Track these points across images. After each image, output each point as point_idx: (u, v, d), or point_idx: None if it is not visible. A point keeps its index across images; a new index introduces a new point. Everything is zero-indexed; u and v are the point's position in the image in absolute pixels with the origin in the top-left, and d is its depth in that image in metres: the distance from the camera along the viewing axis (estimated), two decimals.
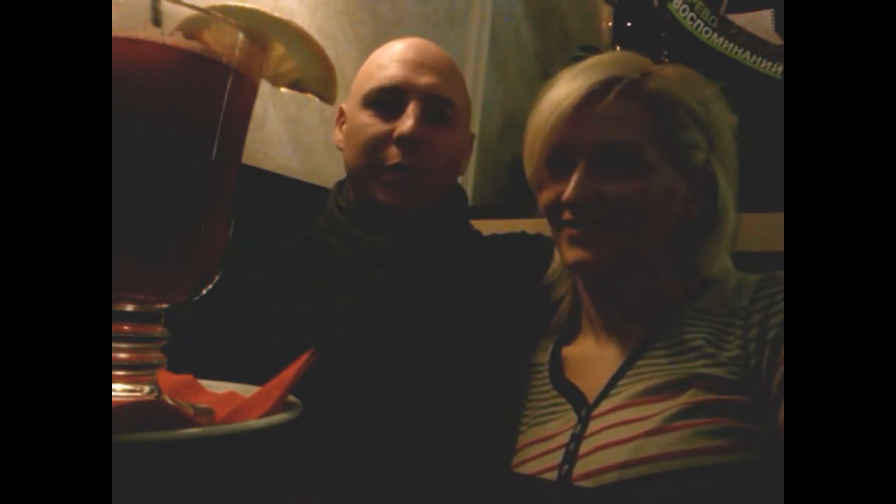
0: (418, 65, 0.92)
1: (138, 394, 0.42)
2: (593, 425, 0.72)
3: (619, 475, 0.66)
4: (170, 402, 0.43)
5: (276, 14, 0.48)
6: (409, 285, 0.89)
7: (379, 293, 0.88)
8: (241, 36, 0.44)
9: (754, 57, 1.79)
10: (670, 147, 0.78)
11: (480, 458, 0.79)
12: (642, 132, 0.77)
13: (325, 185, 1.42)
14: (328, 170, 1.56)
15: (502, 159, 2.17)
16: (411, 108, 0.89)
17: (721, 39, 1.82)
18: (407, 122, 0.88)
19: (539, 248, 0.94)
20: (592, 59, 0.83)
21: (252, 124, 0.54)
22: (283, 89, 0.51)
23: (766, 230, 1.12)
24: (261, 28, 0.46)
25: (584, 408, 0.75)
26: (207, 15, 0.42)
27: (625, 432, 0.68)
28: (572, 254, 0.78)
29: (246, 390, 0.51)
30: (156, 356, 0.44)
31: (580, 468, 0.69)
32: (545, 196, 0.81)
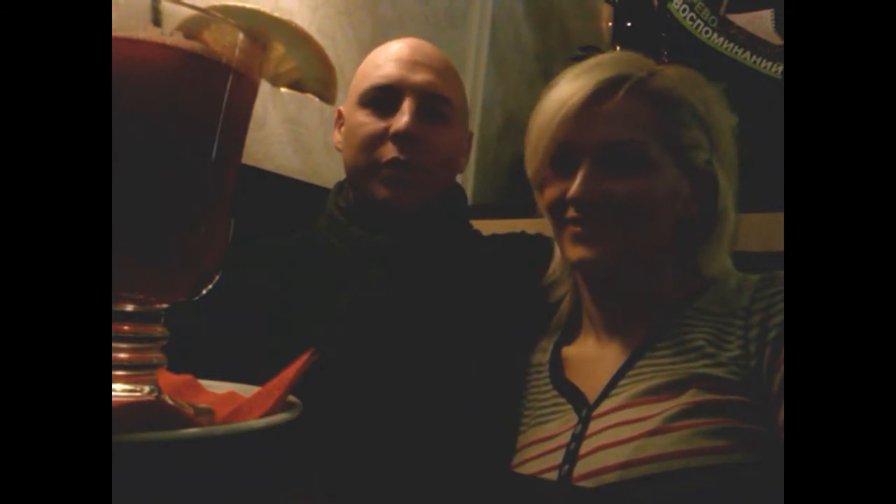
0: (413, 63, 0.93)
1: (138, 394, 0.42)
2: (594, 425, 0.72)
3: (620, 475, 0.66)
4: (170, 402, 0.43)
5: (276, 14, 0.48)
6: (409, 285, 0.89)
7: (379, 293, 0.88)
8: (241, 36, 0.44)
9: (754, 57, 1.79)
10: (674, 146, 0.78)
11: (480, 458, 0.79)
12: (648, 131, 0.77)
13: (325, 185, 1.42)
14: (328, 170, 1.56)
15: (502, 159, 2.17)
16: (406, 105, 0.90)
17: (721, 39, 1.82)
18: (402, 119, 0.89)
19: (539, 248, 0.94)
20: (596, 59, 0.83)
21: (252, 124, 0.54)
22: (283, 89, 0.51)
23: (766, 230, 1.12)
24: (261, 28, 0.46)
25: (584, 408, 0.75)
26: (207, 15, 0.42)
27: (625, 432, 0.68)
28: (575, 252, 0.78)
29: (246, 390, 0.51)
30: (156, 356, 0.44)
31: (581, 468, 0.69)
32: (548, 194, 0.81)
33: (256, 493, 0.42)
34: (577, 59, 0.95)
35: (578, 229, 0.77)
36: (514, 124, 2.19)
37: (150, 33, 0.40)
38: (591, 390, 0.77)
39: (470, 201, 1.15)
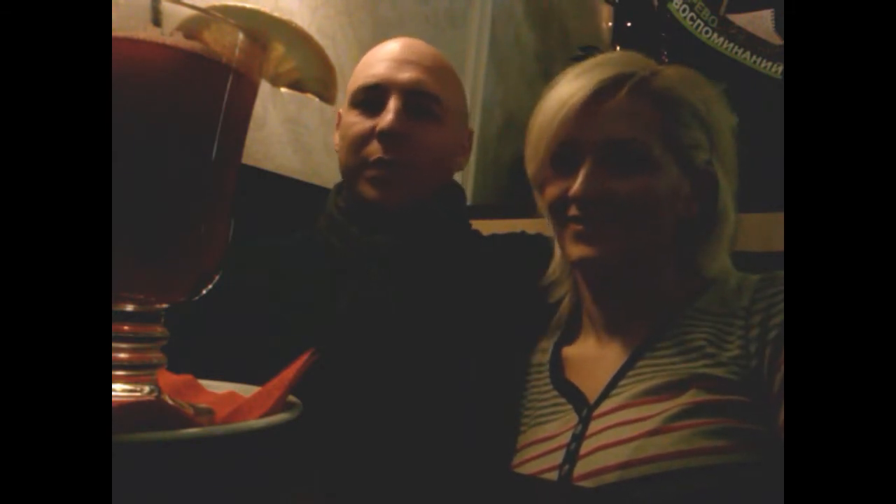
0: (401, 61, 0.93)
1: (138, 394, 0.42)
2: (594, 425, 0.72)
3: (620, 475, 0.66)
4: (170, 402, 0.43)
5: (276, 14, 0.48)
6: (409, 285, 0.89)
7: (379, 293, 0.88)
8: (241, 36, 0.44)
9: (754, 57, 1.79)
10: (675, 146, 0.78)
11: (480, 458, 0.79)
12: (649, 130, 0.77)
13: (325, 185, 1.42)
14: (328, 170, 1.56)
15: (502, 159, 2.17)
16: (392, 104, 0.91)
17: (721, 39, 1.82)
18: (386, 117, 0.90)
19: (539, 248, 0.94)
20: (598, 58, 0.83)
21: (252, 124, 0.54)
22: (283, 89, 0.51)
23: (766, 230, 1.12)
24: (261, 28, 0.46)
25: (584, 408, 0.75)
26: (207, 15, 0.42)
27: (626, 432, 0.68)
28: (577, 250, 0.77)
29: (246, 390, 0.51)
30: (156, 356, 0.44)
31: (581, 468, 0.69)
32: (549, 193, 0.81)
33: (256, 493, 0.42)
34: (577, 59, 0.95)
35: (580, 228, 0.77)
36: (514, 124, 2.19)
37: (150, 33, 0.40)
38: (592, 390, 0.77)
39: (470, 201, 1.15)
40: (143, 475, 0.35)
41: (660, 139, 0.77)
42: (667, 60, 1.82)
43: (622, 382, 0.74)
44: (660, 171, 0.77)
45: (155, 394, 0.43)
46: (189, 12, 0.41)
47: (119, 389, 0.41)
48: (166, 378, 0.48)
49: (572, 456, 0.71)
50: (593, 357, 0.82)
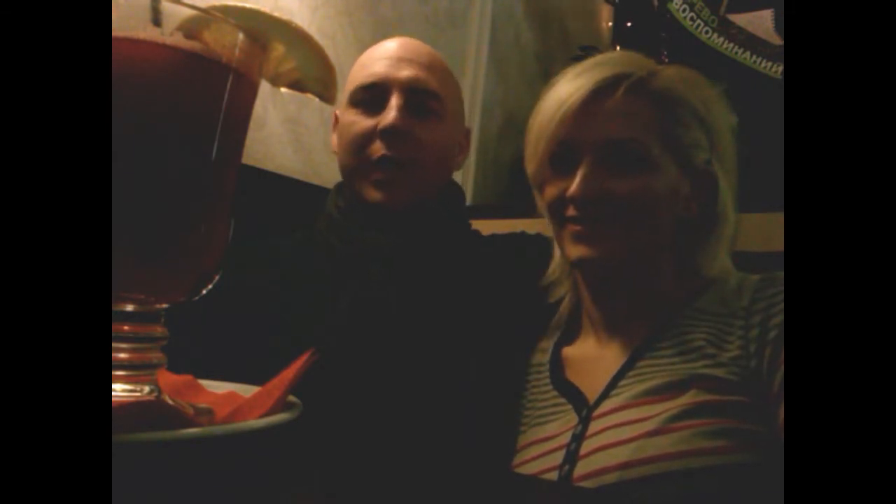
0: (399, 59, 0.93)
1: (138, 394, 0.42)
2: (594, 426, 0.72)
3: (620, 475, 0.66)
4: (170, 402, 0.43)
5: (276, 14, 0.48)
6: (409, 285, 0.89)
7: (379, 293, 0.88)
8: (241, 36, 0.44)
9: (754, 57, 1.79)
10: (674, 146, 0.78)
11: (480, 458, 0.79)
12: (648, 130, 0.77)
13: (325, 185, 1.42)
14: (328, 170, 1.56)
15: (502, 159, 2.17)
16: (393, 101, 0.90)
17: (721, 39, 1.82)
18: (389, 115, 0.89)
19: (539, 248, 0.94)
20: (597, 58, 0.83)
21: (252, 124, 0.54)
22: (283, 89, 0.51)
23: (766, 230, 1.12)
24: (261, 28, 0.46)
25: (584, 408, 0.75)
26: (207, 15, 0.42)
27: (626, 433, 0.68)
28: (576, 250, 0.77)
29: (246, 390, 0.51)
30: (156, 356, 0.44)
31: (581, 468, 0.69)
32: (548, 193, 0.81)
33: (256, 493, 0.42)
34: (577, 59, 0.94)
35: (579, 228, 0.77)
36: (514, 124, 2.19)
37: (150, 33, 0.40)
38: (592, 390, 0.77)
39: (470, 201, 1.15)
40: (143, 475, 0.35)
41: (658, 139, 0.77)
42: (667, 60, 1.82)
43: (622, 383, 0.74)
44: (658, 171, 0.77)
45: (155, 394, 0.43)
46: (189, 12, 0.41)
47: (119, 389, 0.41)
48: (166, 378, 0.48)
49: (572, 456, 0.71)
50: (593, 357, 0.82)
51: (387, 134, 0.89)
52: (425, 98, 0.93)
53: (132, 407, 0.40)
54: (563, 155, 0.79)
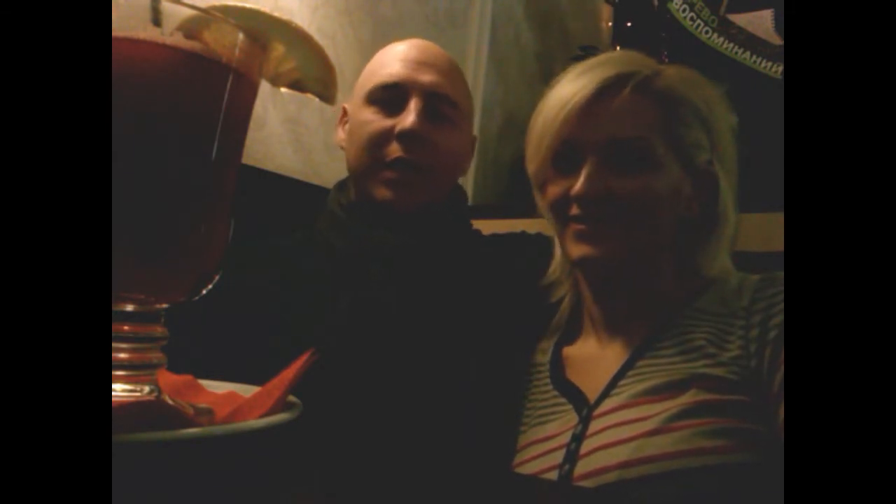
0: (420, 63, 0.93)
1: (138, 394, 0.42)
2: (594, 425, 0.72)
3: (620, 475, 0.66)
4: (170, 402, 0.43)
5: (276, 14, 0.48)
6: (410, 285, 0.89)
7: (379, 293, 0.88)
8: (241, 36, 0.44)
9: (754, 57, 1.79)
10: (677, 145, 0.78)
11: (481, 458, 0.79)
12: (653, 129, 0.77)
13: (325, 185, 1.42)
14: (328, 170, 1.56)
15: (502, 159, 2.18)
16: (413, 105, 0.90)
17: (721, 39, 1.82)
18: (408, 118, 0.89)
19: (539, 247, 0.94)
20: (599, 57, 0.83)
21: (252, 124, 0.54)
22: (283, 89, 0.51)
23: (766, 230, 1.12)
24: (261, 28, 0.46)
25: (585, 407, 0.75)
26: (207, 15, 0.42)
27: (626, 432, 0.68)
28: (578, 249, 0.77)
29: (246, 390, 0.51)
30: (156, 356, 0.44)
31: (581, 468, 0.69)
32: (551, 192, 0.81)
33: (256, 493, 0.42)
34: (577, 58, 0.94)
35: (582, 227, 0.77)
36: (514, 124, 2.19)
37: (150, 33, 0.40)
38: (592, 390, 0.77)
39: (470, 201, 1.15)
40: (143, 475, 0.35)
41: (662, 138, 0.77)
42: (667, 60, 1.82)
43: (622, 382, 0.74)
44: (662, 171, 0.77)
45: (155, 394, 0.43)
46: (189, 12, 0.41)
47: (119, 389, 0.41)
48: (166, 378, 0.48)
49: (572, 456, 0.71)
50: (594, 357, 0.82)
51: (405, 137, 0.89)
52: (443, 104, 0.93)
53: (132, 407, 0.40)
54: (566, 154, 0.79)
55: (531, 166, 0.84)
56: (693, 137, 0.79)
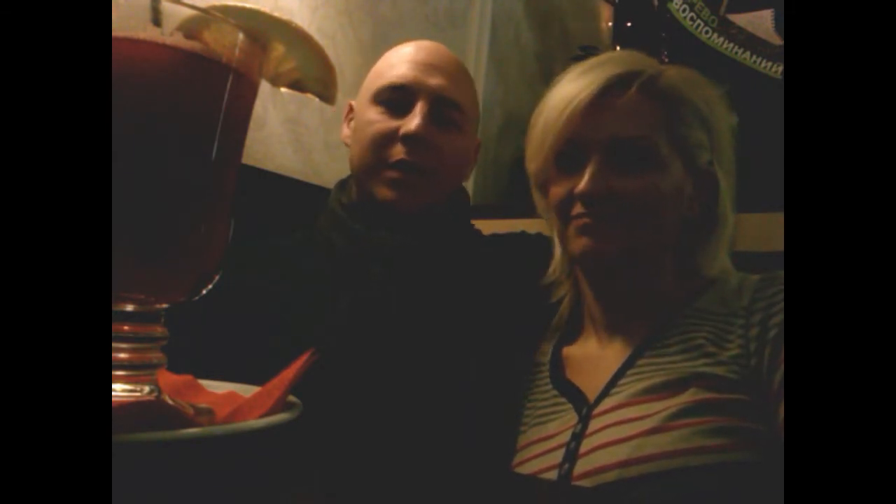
0: (429, 66, 0.93)
1: (138, 394, 0.42)
2: (594, 424, 0.72)
3: (620, 473, 0.66)
4: (170, 402, 0.43)
5: (276, 14, 0.48)
6: (410, 284, 0.89)
7: (379, 292, 0.88)
8: (241, 36, 0.44)
9: (754, 57, 1.79)
10: (681, 145, 0.78)
11: (480, 458, 0.79)
12: (656, 129, 0.77)
13: (325, 185, 1.42)
14: (328, 170, 1.56)
15: (502, 159, 2.18)
16: (419, 108, 0.90)
17: (721, 39, 1.82)
18: (414, 121, 0.89)
19: (539, 247, 0.94)
20: (601, 57, 0.83)
21: (252, 124, 0.54)
22: (283, 89, 0.51)
23: (766, 230, 1.12)
24: (261, 28, 0.46)
25: (584, 407, 0.75)
26: (207, 15, 0.42)
27: (625, 431, 0.68)
28: (580, 244, 0.77)
29: (246, 390, 0.51)
30: (156, 356, 0.44)
31: (581, 467, 0.69)
32: (554, 192, 0.81)
33: (256, 493, 0.42)
34: (577, 58, 0.95)
35: (584, 222, 0.77)
36: (514, 124, 2.19)
37: (150, 33, 0.40)
38: (592, 389, 0.77)
39: (470, 201, 1.15)
40: (143, 475, 0.35)
41: (666, 138, 0.77)
42: (667, 60, 1.82)
43: (622, 381, 0.74)
44: (665, 171, 0.77)
45: (155, 394, 0.43)
46: (189, 12, 0.41)
47: (119, 389, 0.41)
48: (166, 378, 0.48)
49: (572, 455, 0.71)
50: (594, 356, 0.82)
51: (409, 140, 0.89)
52: (449, 108, 0.93)
53: (132, 407, 0.40)
54: (569, 153, 0.79)
55: (532, 165, 0.84)
56: (695, 138, 0.79)
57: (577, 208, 0.77)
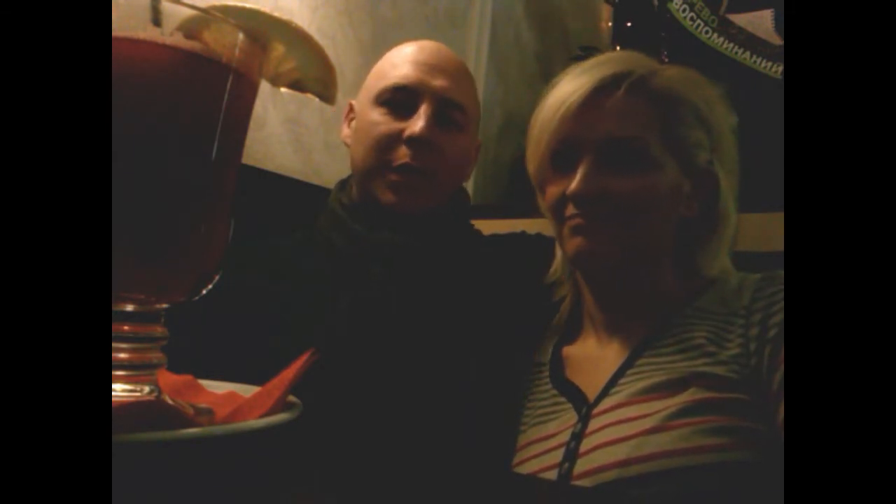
0: (432, 67, 0.92)
1: (138, 394, 0.42)
2: (594, 423, 0.72)
3: (619, 473, 0.66)
4: (170, 402, 0.43)
5: (276, 14, 0.48)
6: (410, 284, 0.89)
7: (379, 293, 0.88)
8: (241, 36, 0.44)
9: (754, 57, 1.79)
10: (676, 145, 0.78)
11: (480, 457, 0.79)
12: (649, 128, 0.77)
13: (325, 185, 1.42)
14: (328, 170, 1.56)
15: (502, 159, 2.18)
16: (423, 110, 0.90)
17: (721, 39, 1.82)
18: (418, 123, 0.89)
19: (539, 247, 0.94)
20: (599, 57, 0.83)
21: (252, 124, 0.54)
22: (283, 89, 0.51)
23: (766, 230, 1.12)
24: (261, 28, 0.46)
25: (584, 406, 0.75)
26: (207, 15, 0.42)
27: (625, 430, 0.68)
28: (573, 245, 0.77)
29: (246, 390, 0.51)
30: (156, 356, 0.44)
31: (580, 466, 0.69)
32: (550, 192, 0.81)
33: (256, 493, 0.42)
34: (577, 59, 0.95)
35: (577, 222, 0.77)
36: (514, 124, 2.19)
37: (150, 33, 0.40)
38: (592, 389, 0.77)
39: (470, 201, 1.15)
40: (143, 475, 0.35)
41: (659, 138, 0.77)
42: (667, 60, 1.82)
43: (622, 381, 0.74)
44: (659, 170, 0.77)
45: (155, 394, 0.43)
46: (189, 12, 0.41)
47: (119, 389, 0.41)
48: (166, 378, 0.48)
49: (572, 454, 0.71)
50: (593, 356, 0.82)
51: (414, 143, 0.89)
52: (452, 110, 0.92)
53: (132, 407, 0.40)
54: (564, 153, 0.79)
55: (531, 166, 0.85)
56: (693, 137, 0.79)
57: (570, 209, 0.77)
